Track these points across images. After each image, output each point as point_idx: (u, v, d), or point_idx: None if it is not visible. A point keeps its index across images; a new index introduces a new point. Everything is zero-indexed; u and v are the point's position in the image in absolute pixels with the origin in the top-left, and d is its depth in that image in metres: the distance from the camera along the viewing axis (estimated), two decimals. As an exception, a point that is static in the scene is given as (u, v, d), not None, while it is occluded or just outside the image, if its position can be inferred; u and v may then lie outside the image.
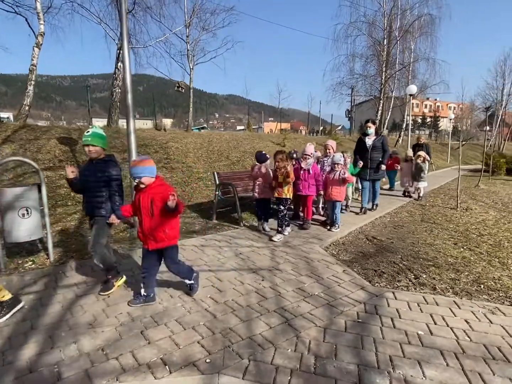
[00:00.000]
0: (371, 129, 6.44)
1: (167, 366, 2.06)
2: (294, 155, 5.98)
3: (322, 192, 5.63)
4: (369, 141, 6.47)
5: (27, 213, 3.56)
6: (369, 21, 21.04)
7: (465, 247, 4.67)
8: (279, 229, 4.83)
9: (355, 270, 3.77)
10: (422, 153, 8.62)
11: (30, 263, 3.78)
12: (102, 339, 2.33)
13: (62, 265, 3.71)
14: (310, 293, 3.08)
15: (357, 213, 6.57)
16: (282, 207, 4.83)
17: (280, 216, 4.82)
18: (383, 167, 6.44)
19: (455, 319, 2.71)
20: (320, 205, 6.55)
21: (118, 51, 10.58)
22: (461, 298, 3.14)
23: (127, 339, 2.33)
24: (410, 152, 9.08)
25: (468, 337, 2.45)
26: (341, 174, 5.29)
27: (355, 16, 21.41)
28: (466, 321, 2.68)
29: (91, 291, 3.08)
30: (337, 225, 5.33)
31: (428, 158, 8.78)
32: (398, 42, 20.78)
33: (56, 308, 2.78)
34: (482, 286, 3.46)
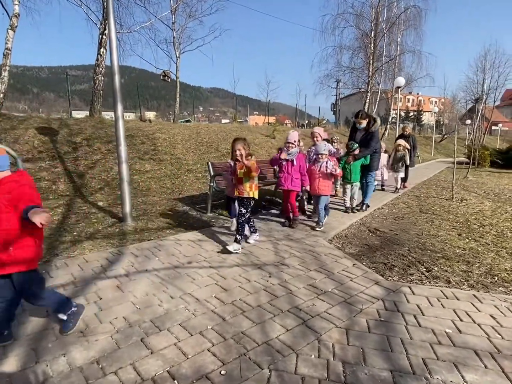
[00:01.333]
0: (363, 124, 5.63)
1: (176, 381, 1.77)
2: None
3: (308, 188, 5.13)
4: (357, 136, 5.75)
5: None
6: (356, 13, 20.92)
7: (470, 238, 4.55)
8: (237, 237, 3.79)
9: (364, 263, 3.56)
10: (401, 141, 8.22)
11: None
12: (97, 350, 2.01)
13: (45, 264, 3.33)
14: (323, 290, 2.85)
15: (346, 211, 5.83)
16: (243, 209, 3.85)
17: (240, 221, 3.83)
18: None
19: (480, 314, 2.53)
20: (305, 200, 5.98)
21: (100, 35, 10.00)
22: (478, 291, 2.99)
23: (126, 349, 2.02)
24: (383, 144, 8.14)
25: (499, 334, 2.27)
26: (328, 166, 4.77)
27: (343, 7, 21.32)
28: (492, 316, 2.50)
29: (80, 293, 2.74)
30: (321, 223, 4.76)
31: (408, 147, 8.27)
32: (385, 34, 20.75)
33: (41, 313, 2.43)
34: (496, 278, 3.32)
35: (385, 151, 8.08)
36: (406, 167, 8.47)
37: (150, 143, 9.29)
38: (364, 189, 6.06)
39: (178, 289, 2.83)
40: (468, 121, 31.60)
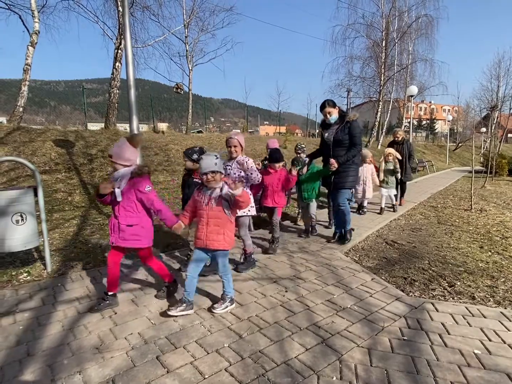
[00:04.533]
0: (333, 115, 4.18)
1: (193, 403, 1.71)
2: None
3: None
4: (328, 133, 4.27)
5: (22, 219, 3.19)
6: (367, 23, 20.90)
7: (492, 251, 4.38)
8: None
9: (383, 278, 3.45)
10: (391, 150, 6.66)
11: (25, 274, 3.41)
12: (112, 368, 1.97)
13: (61, 277, 3.34)
14: (342, 306, 2.75)
15: (301, 235, 4.88)
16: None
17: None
18: (334, 163, 4.03)
19: (510, 334, 2.39)
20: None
21: (116, 50, 10.26)
22: (505, 308, 2.84)
23: (141, 367, 1.97)
24: (366, 152, 6.35)
25: (533, 356, 2.13)
26: (223, 192, 2.58)
27: (353, 17, 21.26)
28: (523, 336, 2.37)
29: (94, 308, 2.71)
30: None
31: (399, 157, 6.68)
32: (397, 44, 20.69)
33: (56, 328, 2.42)
34: (524, 294, 3.16)
35: (370, 161, 6.39)
36: (402, 182, 7.25)
37: (164, 154, 9.39)
38: (336, 216, 4.54)
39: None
40: (483, 129, 30.97)
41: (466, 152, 32.51)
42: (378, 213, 6.50)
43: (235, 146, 3.51)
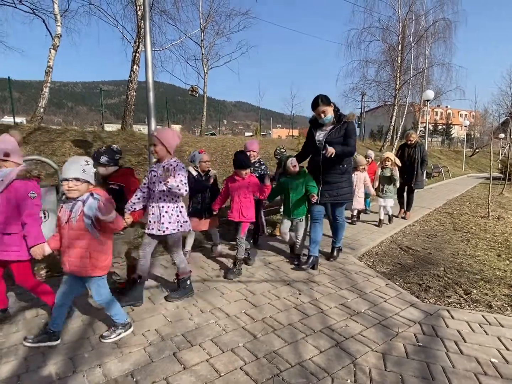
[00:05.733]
0: (328, 115, 3.50)
1: (209, 399, 1.75)
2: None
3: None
4: (320, 134, 3.61)
5: (45, 217, 3.31)
6: (383, 27, 20.76)
7: (511, 259, 4.29)
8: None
9: (397, 283, 3.43)
10: (389, 154, 5.93)
11: (46, 270, 3.52)
12: (131, 362, 2.03)
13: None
14: (356, 311, 2.75)
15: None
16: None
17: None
18: (331, 150, 3.31)
19: (529, 344, 2.35)
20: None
21: (133, 53, 10.48)
22: (524, 318, 2.79)
23: (159, 363, 2.03)
24: (360, 158, 5.77)
25: (552, 367, 2.09)
26: (86, 209, 2.17)
27: (369, 21, 21.15)
28: (542, 347, 2.32)
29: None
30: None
31: (399, 163, 5.89)
32: (413, 47, 20.46)
33: (76, 323, 2.50)
34: (543, 304, 3.10)
35: (363, 169, 5.80)
36: (410, 191, 6.54)
37: (178, 155, 9.44)
38: (333, 228, 3.99)
39: (207, 303, 2.83)
40: (502, 135, 30.25)
41: (483, 158, 31.82)
42: (377, 226, 5.81)
43: (155, 146, 2.73)
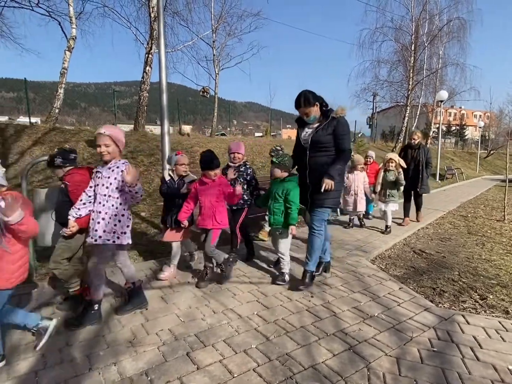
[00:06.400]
0: (312, 115, 3.09)
1: (223, 400, 1.76)
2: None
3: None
4: (306, 132, 3.21)
5: None
6: (396, 26, 20.53)
7: (528, 265, 4.20)
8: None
9: (411, 287, 3.39)
10: (393, 155, 5.52)
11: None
12: (145, 361, 2.06)
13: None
14: (369, 314, 2.73)
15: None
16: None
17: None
18: (328, 183, 2.95)
19: (548, 352, 2.30)
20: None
21: (146, 55, 10.60)
22: (542, 325, 2.72)
23: (172, 362, 2.05)
24: (357, 157, 5.63)
25: None
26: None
27: (381, 21, 20.95)
28: (562, 355, 2.26)
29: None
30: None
31: (404, 164, 5.48)
32: (426, 47, 20.17)
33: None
34: (562, 311, 3.01)
35: (362, 168, 5.61)
36: (417, 195, 6.16)
37: (189, 156, 9.52)
38: (308, 243, 3.29)
39: (220, 304, 2.84)
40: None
41: (499, 160, 31.12)
42: (382, 232, 5.41)
43: (106, 146, 2.46)
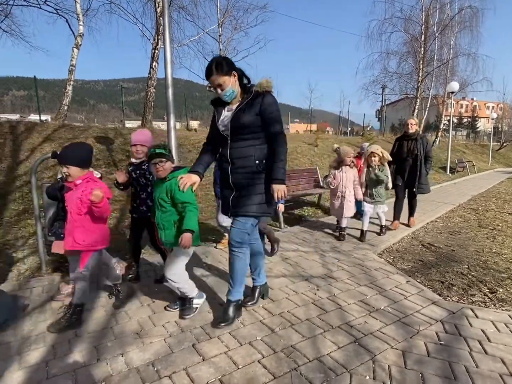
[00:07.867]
0: (228, 88, 2.28)
1: (228, 390, 1.78)
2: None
3: None
4: (225, 117, 2.40)
5: (69, 211, 3.41)
6: (405, 17, 20.15)
7: (540, 258, 4.11)
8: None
9: (419, 281, 3.35)
10: (374, 148, 4.58)
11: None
12: (151, 352, 2.09)
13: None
14: (375, 307, 2.72)
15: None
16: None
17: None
18: (280, 189, 2.26)
19: (559, 346, 2.25)
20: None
21: (153, 50, 10.62)
22: (553, 319, 2.67)
23: (178, 354, 2.07)
24: (345, 149, 4.57)
25: None
26: None
27: (390, 12, 20.70)
28: None
29: (134, 296, 2.87)
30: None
31: (390, 158, 4.61)
32: (437, 37, 19.73)
33: (100, 313, 2.59)
34: None
35: (352, 163, 4.57)
36: (412, 196, 5.23)
37: (196, 151, 9.61)
38: (229, 263, 2.59)
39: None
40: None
41: (511, 152, 30.44)
42: (378, 234, 4.81)
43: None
